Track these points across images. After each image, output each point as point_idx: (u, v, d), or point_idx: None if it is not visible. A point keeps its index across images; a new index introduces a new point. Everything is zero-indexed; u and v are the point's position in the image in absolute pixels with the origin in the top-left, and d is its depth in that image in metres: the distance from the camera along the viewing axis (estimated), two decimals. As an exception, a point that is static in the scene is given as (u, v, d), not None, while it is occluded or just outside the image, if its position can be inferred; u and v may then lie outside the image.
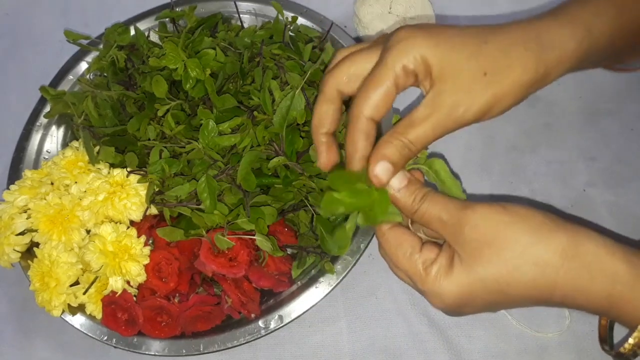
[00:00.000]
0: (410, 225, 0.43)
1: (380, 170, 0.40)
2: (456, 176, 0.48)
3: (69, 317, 0.53)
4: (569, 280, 0.36)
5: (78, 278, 0.53)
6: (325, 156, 0.44)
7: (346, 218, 0.42)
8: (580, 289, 0.36)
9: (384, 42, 0.41)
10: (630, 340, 0.37)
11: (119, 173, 0.53)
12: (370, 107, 0.40)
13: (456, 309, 0.39)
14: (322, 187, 0.52)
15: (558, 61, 0.40)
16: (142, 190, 0.53)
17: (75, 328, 0.53)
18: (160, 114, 0.55)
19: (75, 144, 0.57)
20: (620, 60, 0.56)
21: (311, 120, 0.45)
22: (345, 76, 0.42)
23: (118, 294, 0.51)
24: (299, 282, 0.53)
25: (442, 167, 0.41)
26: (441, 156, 0.55)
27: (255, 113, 0.54)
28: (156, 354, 0.52)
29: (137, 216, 0.53)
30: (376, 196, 0.40)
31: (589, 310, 0.37)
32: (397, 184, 0.40)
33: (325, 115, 0.43)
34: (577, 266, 0.36)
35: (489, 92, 0.39)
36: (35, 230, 0.53)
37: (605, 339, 0.41)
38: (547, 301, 0.37)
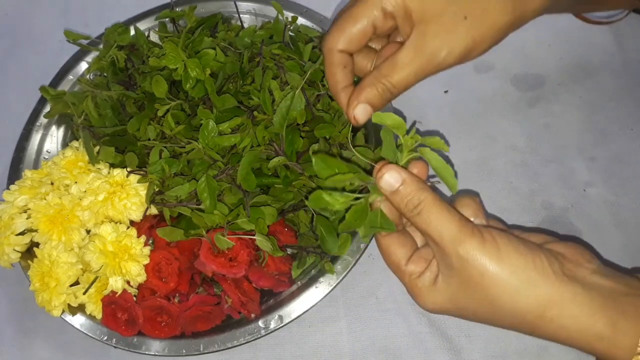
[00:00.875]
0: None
1: (360, 112, 0.42)
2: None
3: (69, 317, 0.53)
4: (547, 334, 0.37)
5: (78, 278, 0.53)
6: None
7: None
8: (561, 340, 0.37)
9: None
10: None
11: (119, 173, 0.53)
12: (343, 41, 0.42)
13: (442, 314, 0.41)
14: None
15: (533, 2, 0.42)
16: (142, 190, 0.53)
17: (75, 328, 0.53)
18: (160, 114, 0.55)
19: (75, 144, 0.57)
20: (590, 9, 0.59)
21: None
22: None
23: (118, 294, 0.51)
24: (299, 282, 0.53)
25: (433, 156, 0.40)
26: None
27: (255, 113, 0.54)
28: (156, 354, 0.52)
29: (137, 216, 0.53)
30: (364, 206, 0.39)
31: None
32: (389, 185, 0.39)
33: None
34: (556, 326, 0.36)
35: (469, 36, 0.40)
36: (35, 230, 0.53)
37: None
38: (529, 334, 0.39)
